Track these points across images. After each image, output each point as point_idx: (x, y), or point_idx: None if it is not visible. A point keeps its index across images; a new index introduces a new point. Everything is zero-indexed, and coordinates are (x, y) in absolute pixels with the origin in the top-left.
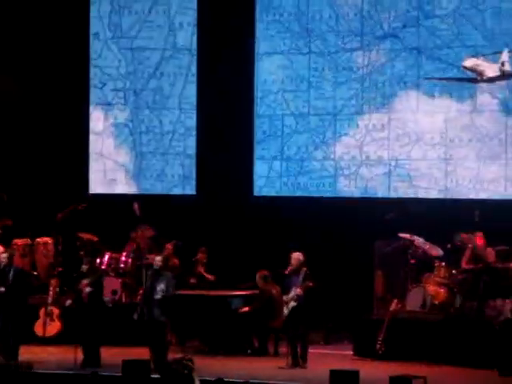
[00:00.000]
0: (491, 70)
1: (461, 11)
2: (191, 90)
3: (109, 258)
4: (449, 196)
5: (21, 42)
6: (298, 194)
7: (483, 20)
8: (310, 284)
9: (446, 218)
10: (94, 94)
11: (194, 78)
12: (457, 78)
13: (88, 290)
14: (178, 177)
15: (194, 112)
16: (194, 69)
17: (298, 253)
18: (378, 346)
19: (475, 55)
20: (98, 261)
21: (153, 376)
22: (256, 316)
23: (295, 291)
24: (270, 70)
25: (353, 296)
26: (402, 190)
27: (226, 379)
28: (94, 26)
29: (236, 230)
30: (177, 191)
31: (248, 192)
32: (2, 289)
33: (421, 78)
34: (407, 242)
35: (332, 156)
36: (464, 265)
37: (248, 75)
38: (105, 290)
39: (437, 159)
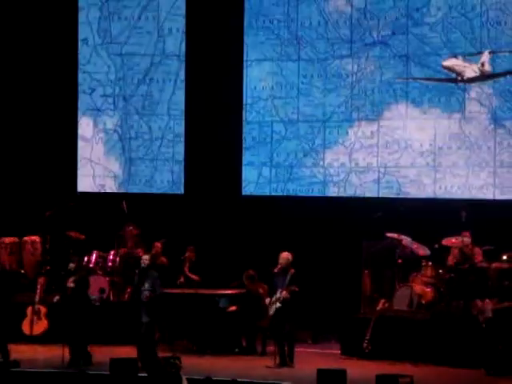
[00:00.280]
0: (471, 71)
1: (449, 19)
2: (180, 96)
3: (96, 257)
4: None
5: (9, 47)
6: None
7: (472, 28)
8: (296, 289)
9: (433, 218)
10: (83, 100)
11: (183, 85)
12: (436, 79)
13: (71, 285)
14: (167, 183)
15: (183, 118)
16: (182, 75)
17: (286, 252)
18: (365, 345)
19: (455, 55)
20: (85, 259)
21: (140, 374)
22: (244, 315)
23: (281, 293)
24: (260, 77)
25: (340, 295)
26: (391, 197)
27: (213, 378)
28: (83, 31)
29: (224, 228)
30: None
31: (236, 192)
32: None
33: (409, 83)
34: (395, 242)
35: (321, 163)
36: (450, 263)
37: (236, 82)
38: (92, 288)
39: (426, 166)
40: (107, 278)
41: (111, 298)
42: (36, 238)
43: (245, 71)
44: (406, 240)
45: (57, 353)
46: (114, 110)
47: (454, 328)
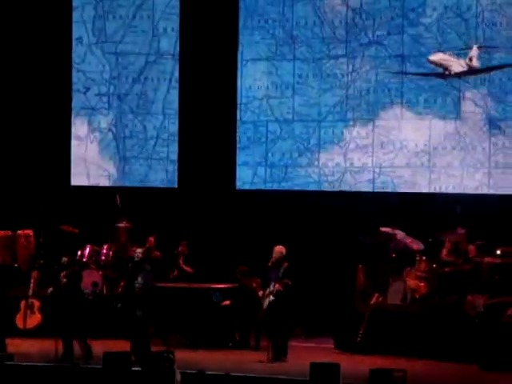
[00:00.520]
0: (458, 65)
1: (445, 19)
2: (175, 96)
3: (90, 251)
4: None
5: (3, 45)
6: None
7: (467, 28)
8: (289, 282)
9: (428, 212)
10: (78, 99)
11: (178, 84)
12: (424, 74)
13: (63, 280)
14: (161, 182)
15: (178, 117)
16: (177, 74)
17: (280, 246)
18: (359, 339)
19: (442, 50)
20: (78, 253)
21: (134, 369)
22: (237, 309)
23: (274, 287)
24: (255, 76)
25: (334, 290)
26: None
27: (207, 372)
28: (78, 30)
29: (218, 223)
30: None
31: (230, 186)
32: None
33: (404, 83)
34: (389, 236)
35: (316, 163)
36: (444, 256)
37: (231, 81)
38: (86, 282)
39: (420, 167)
40: (100, 272)
41: (104, 291)
42: (29, 232)
43: (240, 71)
44: (400, 234)
45: (50, 347)
46: (109, 109)
47: (447, 322)
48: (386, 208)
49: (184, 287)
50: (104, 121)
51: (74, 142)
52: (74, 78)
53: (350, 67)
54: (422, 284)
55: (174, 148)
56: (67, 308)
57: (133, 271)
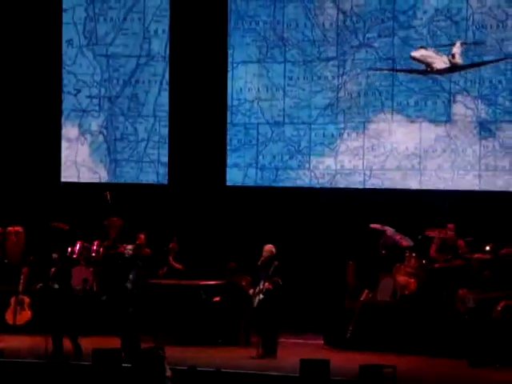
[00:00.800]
0: (441, 62)
1: (435, 22)
2: (166, 98)
3: (80, 247)
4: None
5: None
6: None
7: (457, 31)
8: (279, 281)
9: (417, 208)
10: (68, 101)
11: (168, 86)
12: (407, 70)
13: (55, 286)
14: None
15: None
16: (168, 76)
17: (270, 245)
18: (349, 335)
19: (425, 46)
20: (69, 250)
21: (124, 365)
22: (227, 306)
23: (264, 285)
24: (246, 79)
25: (324, 287)
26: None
27: (197, 368)
28: (68, 32)
29: (208, 220)
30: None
31: (220, 182)
32: None
33: (395, 86)
34: (378, 233)
35: (307, 165)
36: (433, 254)
37: (222, 83)
38: (76, 278)
39: (411, 169)
40: (90, 269)
41: (94, 288)
42: (19, 229)
43: (230, 73)
44: (390, 231)
45: (40, 343)
46: (100, 111)
47: (437, 318)
48: (375, 205)
49: (174, 284)
50: (95, 123)
51: (64, 144)
52: (65, 80)
53: (341, 70)
54: (412, 280)
55: (165, 150)
56: (57, 305)
57: (123, 268)
